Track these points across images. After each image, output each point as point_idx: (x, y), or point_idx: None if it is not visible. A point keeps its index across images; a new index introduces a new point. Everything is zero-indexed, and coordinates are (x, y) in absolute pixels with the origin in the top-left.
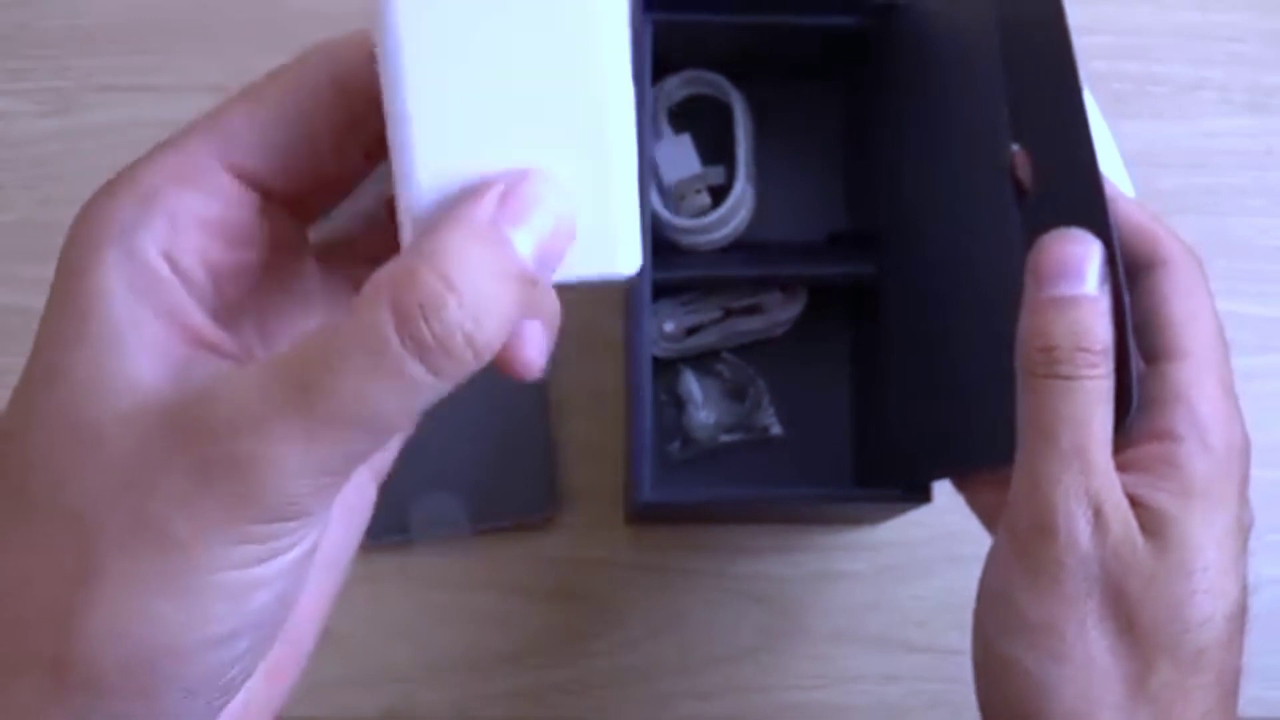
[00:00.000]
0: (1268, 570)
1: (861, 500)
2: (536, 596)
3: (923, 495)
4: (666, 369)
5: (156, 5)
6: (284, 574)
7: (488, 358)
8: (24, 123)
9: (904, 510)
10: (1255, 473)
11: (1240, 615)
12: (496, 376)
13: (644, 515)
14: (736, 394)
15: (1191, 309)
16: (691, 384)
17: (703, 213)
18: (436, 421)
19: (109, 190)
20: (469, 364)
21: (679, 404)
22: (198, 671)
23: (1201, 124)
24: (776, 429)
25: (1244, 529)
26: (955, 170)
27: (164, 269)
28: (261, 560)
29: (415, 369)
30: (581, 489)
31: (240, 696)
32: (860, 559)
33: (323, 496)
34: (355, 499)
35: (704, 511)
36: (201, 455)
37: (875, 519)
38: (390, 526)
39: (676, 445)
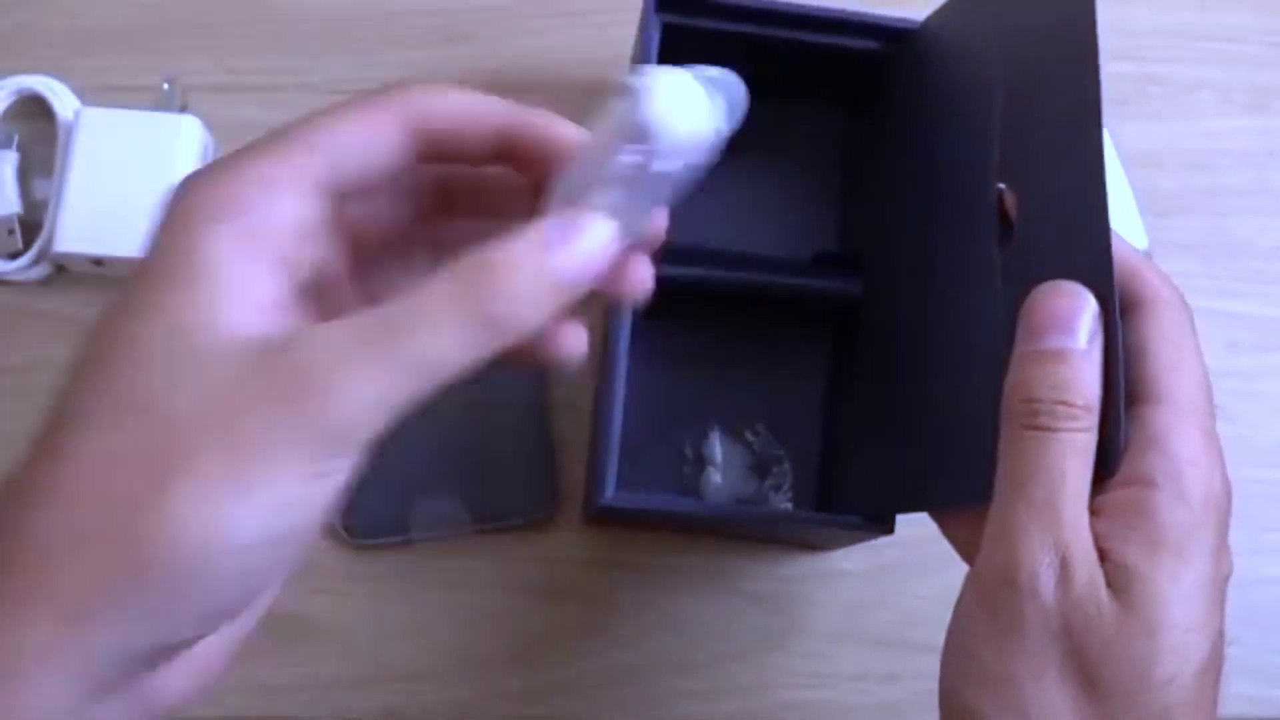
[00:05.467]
0: (1268, 570)
1: (821, 525)
2: (536, 596)
3: (885, 527)
4: (694, 426)
5: (156, 5)
6: (316, 507)
7: (527, 332)
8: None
9: (863, 539)
10: (1256, 472)
11: (1212, 669)
12: (495, 376)
13: (602, 519)
14: (760, 469)
15: (1176, 352)
16: (715, 446)
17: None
18: (437, 421)
19: (218, 170)
20: (510, 337)
21: (699, 462)
22: (236, 567)
23: (1201, 124)
24: (786, 507)
25: (1220, 580)
26: (941, 204)
27: (274, 239)
28: (310, 482)
29: (478, 333)
30: (581, 489)
31: (198, 652)
32: (859, 558)
33: (373, 431)
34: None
35: (661, 520)
36: (285, 384)
37: (831, 545)
38: (390, 526)
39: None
